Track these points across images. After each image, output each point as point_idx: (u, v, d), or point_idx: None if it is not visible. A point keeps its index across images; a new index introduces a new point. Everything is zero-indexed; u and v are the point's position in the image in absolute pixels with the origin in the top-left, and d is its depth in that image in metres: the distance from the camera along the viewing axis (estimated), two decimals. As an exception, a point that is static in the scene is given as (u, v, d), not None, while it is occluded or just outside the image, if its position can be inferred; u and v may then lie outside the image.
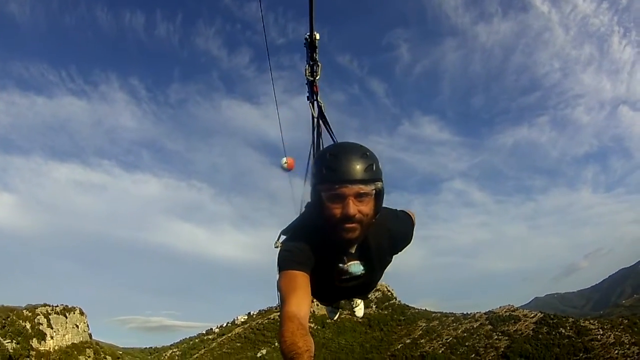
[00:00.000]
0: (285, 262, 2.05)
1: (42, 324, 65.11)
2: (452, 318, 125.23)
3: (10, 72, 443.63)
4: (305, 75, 3.07)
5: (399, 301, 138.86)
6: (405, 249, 2.52)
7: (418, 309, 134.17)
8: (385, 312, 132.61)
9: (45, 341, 64.36)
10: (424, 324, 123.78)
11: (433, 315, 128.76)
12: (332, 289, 2.34)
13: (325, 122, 3.12)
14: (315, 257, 2.10)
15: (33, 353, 61.62)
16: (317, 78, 3.09)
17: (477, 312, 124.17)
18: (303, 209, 2.63)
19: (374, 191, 2.01)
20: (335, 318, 4.04)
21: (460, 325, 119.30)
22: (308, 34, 2.87)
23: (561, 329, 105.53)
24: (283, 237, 2.30)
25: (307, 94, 3.22)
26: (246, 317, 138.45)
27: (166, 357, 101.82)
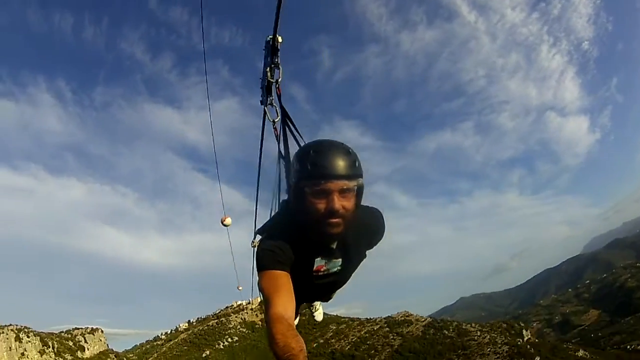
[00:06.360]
0: (267, 261, 1.98)
1: (80, 341, 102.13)
2: (357, 322, 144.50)
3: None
4: (266, 77, 2.84)
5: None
6: (378, 243, 2.47)
7: (330, 315, 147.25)
8: (304, 318, 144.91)
9: (84, 352, 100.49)
10: (334, 327, 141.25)
11: (342, 319, 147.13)
12: (307, 287, 2.26)
13: (292, 125, 2.75)
14: (295, 255, 2.04)
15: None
16: (279, 80, 2.86)
17: (377, 317, 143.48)
18: (277, 208, 2.62)
19: (356, 187, 1.95)
20: (297, 322, 3.39)
21: (363, 328, 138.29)
22: (270, 36, 2.69)
23: (445, 331, 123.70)
24: (259, 237, 2.24)
25: (261, 98, 3.03)
26: (187, 325, 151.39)
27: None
